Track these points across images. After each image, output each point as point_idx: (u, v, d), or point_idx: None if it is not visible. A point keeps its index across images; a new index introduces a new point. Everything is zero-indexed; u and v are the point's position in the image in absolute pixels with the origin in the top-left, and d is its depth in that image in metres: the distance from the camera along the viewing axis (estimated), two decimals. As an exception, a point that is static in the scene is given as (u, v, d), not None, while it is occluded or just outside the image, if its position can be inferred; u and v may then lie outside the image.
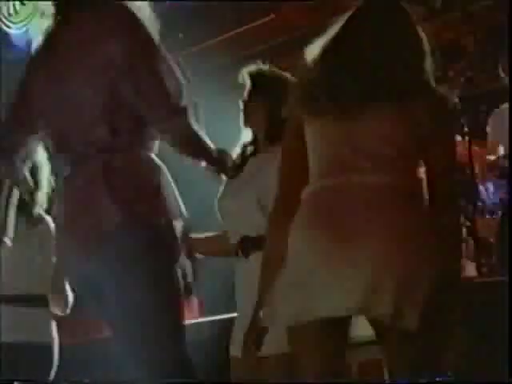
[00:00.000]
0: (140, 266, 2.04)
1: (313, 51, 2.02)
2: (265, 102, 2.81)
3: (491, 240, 4.48)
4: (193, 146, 2.19)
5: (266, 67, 2.91)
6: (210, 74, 5.55)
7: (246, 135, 2.90)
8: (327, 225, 1.90)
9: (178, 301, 2.12)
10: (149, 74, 2.08)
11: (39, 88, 2.17)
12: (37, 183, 3.26)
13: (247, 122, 2.85)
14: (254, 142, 2.89)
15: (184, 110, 2.12)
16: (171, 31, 6.15)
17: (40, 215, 3.30)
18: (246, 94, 2.86)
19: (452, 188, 1.98)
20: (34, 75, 2.20)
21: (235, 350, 2.75)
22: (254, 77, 2.87)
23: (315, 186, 1.98)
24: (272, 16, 5.25)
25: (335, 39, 1.99)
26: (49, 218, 3.27)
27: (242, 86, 2.93)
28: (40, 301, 3.22)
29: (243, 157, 2.88)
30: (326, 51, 2.00)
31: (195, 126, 2.16)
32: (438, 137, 1.94)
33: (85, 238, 2.06)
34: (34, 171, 3.19)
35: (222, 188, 2.88)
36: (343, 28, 2.00)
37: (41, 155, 3.18)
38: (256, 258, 2.70)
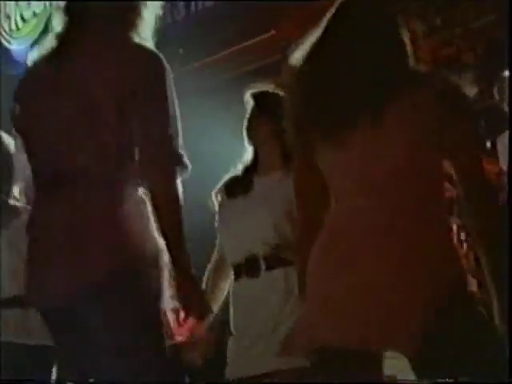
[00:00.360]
0: (119, 311, 1.93)
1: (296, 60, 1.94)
2: (268, 119, 2.81)
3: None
4: (165, 209, 1.95)
5: (270, 87, 2.91)
6: (211, 90, 5.56)
7: (247, 153, 2.90)
8: (341, 252, 1.83)
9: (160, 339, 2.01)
10: (154, 112, 1.97)
11: (35, 103, 2.08)
12: (10, 172, 3.15)
13: (250, 139, 2.85)
14: (255, 159, 2.88)
15: (178, 159, 2.00)
16: (172, 46, 6.19)
17: (16, 206, 3.17)
18: (249, 111, 2.86)
19: (483, 192, 1.82)
20: (33, 87, 2.12)
21: (235, 373, 2.73)
22: (257, 96, 2.87)
23: (334, 211, 1.91)
24: (272, 32, 5.26)
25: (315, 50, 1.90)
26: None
27: (242, 102, 2.93)
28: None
29: (246, 175, 2.86)
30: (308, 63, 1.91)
31: (179, 189, 1.99)
32: (453, 128, 1.80)
33: (64, 270, 1.94)
34: (8, 159, 3.12)
35: (226, 206, 2.87)
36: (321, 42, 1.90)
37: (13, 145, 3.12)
38: (262, 279, 2.71)
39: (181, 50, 5.60)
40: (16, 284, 3.04)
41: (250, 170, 2.88)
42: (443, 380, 1.64)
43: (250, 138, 2.85)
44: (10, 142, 3.15)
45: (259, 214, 2.73)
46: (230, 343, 2.79)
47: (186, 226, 1.98)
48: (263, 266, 2.71)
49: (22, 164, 3.13)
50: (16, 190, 3.21)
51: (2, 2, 7.16)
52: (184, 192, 2.04)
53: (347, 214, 1.85)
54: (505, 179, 4.27)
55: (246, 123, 2.85)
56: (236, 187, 2.85)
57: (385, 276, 1.75)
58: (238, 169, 2.89)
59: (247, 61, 5.38)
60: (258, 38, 5.31)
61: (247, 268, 2.74)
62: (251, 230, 2.73)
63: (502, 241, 1.73)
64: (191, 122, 5.91)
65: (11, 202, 3.19)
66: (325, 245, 1.87)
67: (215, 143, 5.00)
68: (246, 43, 5.36)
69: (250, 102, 2.88)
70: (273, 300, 2.68)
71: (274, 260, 2.70)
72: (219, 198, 2.89)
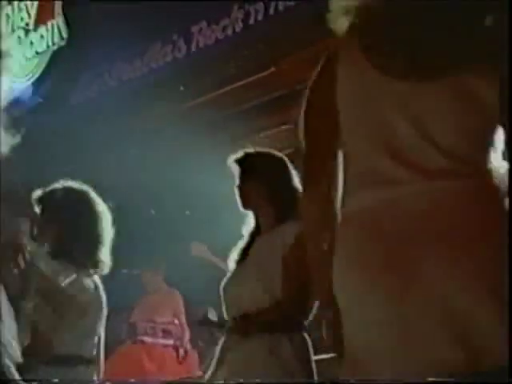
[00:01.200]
0: None
1: None
2: (258, 181, 2.83)
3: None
4: None
5: (251, 149, 2.93)
6: (211, 127, 5.58)
7: (250, 221, 2.91)
8: (388, 257, 1.42)
9: None
10: None
11: None
12: (98, 237, 3.08)
13: (246, 206, 2.86)
14: (256, 223, 2.90)
15: None
16: (172, 84, 6.20)
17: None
18: (237, 179, 2.88)
19: None
20: None
21: None
22: (241, 161, 2.89)
23: (361, 201, 1.50)
24: (272, 69, 5.29)
25: None
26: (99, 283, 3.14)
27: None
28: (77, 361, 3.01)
29: (250, 240, 2.89)
30: None
31: None
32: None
33: None
34: (94, 222, 3.05)
35: (228, 274, 2.89)
36: None
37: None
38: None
39: (181, 87, 5.63)
40: None
41: (253, 234, 2.90)
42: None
43: (245, 205, 2.86)
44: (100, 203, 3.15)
45: (251, 277, 2.74)
46: None
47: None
48: (253, 328, 2.70)
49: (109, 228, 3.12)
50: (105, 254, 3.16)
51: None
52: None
53: (387, 208, 1.45)
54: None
55: (237, 192, 2.87)
56: (241, 252, 2.88)
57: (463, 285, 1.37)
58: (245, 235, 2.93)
59: (247, 98, 5.40)
60: (257, 76, 5.34)
61: (239, 326, 2.73)
62: (245, 293, 2.75)
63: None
64: (191, 158, 5.92)
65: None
66: (362, 254, 1.46)
67: (215, 179, 5.00)
68: (246, 80, 5.39)
69: (235, 169, 2.89)
70: (256, 366, 2.66)
71: (263, 324, 2.69)
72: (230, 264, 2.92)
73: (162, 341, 5.66)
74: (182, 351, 5.53)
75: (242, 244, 2.91)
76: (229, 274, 2.89)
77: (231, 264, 2.92)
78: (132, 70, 6.11)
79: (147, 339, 5.66)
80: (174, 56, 5.86)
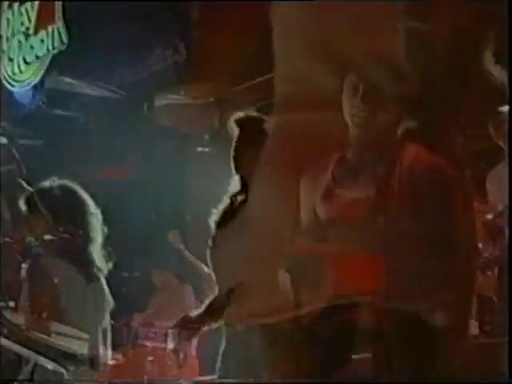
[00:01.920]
0: None
1: None
2: (254, 144, 2.78)
3: (494, 298, 4.40)
4: None
5: (252, 112, 2.89)
6: (211, 129, 5.58)
7: (235, 184, 2.87)
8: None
9: None
10: None
11: None
12: (88, 235, 3.11)
13: (238, 169, 2.82)
14: (243, 190, 2.84)
15: None
16: (173, 87, 6.17)
17: (97, 272, 3.14)
18: (234, 140, 2.84)
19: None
20: None
21: None
22: (241, 123, 2.85)
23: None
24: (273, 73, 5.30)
25: None
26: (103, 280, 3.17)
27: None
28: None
29: (232, 207, 2.85)
30: None
31: None
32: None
33: None
34: (84, 223, 3.08)
35: (212, 238, 2.86)
36: None
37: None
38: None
39: (182, 92, 5.63)
40: None
41: (237, 200, 2.85)
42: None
43: (238, 166, 2.82)
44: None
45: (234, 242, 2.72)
46: None
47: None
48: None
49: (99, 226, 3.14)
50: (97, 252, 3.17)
51: (6, 47, 7.24)
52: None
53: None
54: (502, 221, 4.22)
55: (232, 153, 2.83)
56: (223, 218, 2.84)
57: None
58: (226, 201, 2.88)
59: (250, 100, 5.41)
60: (261, 78, 5.34)
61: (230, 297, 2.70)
62: (229, 261, 2.71)
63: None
64: (192, 160, 5.88)
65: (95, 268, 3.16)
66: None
67: (218, 180, 5.00)
68: (250, 83, 5.40)
69: (234, 130, 2.85)
70: None
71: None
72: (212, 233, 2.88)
73: (162, 345, 5.64)
74: (182, 355, 5.51)
75: (223, 206, 2.88)
76: (212, 238, 2.84)
77: (212, 225, 2.88)
78: (132, 74, 6.11)
79: (148, 344, 5.64)
80: (175, 60, 5.86)
